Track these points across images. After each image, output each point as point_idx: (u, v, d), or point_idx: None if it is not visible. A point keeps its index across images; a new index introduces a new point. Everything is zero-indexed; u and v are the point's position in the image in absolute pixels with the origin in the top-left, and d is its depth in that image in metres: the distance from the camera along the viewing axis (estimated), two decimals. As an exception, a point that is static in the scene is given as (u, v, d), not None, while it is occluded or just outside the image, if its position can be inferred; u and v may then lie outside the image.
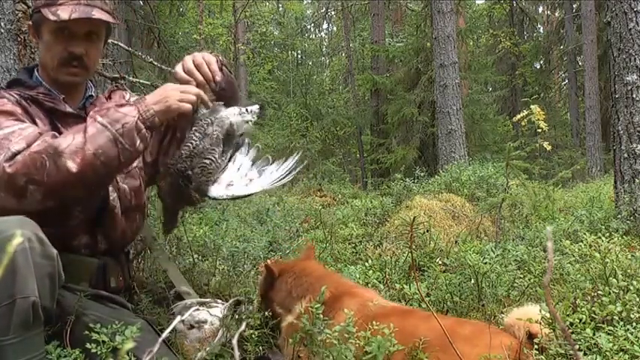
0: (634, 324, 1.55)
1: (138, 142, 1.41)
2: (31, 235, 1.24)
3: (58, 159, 1.31)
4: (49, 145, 1.34)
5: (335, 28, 25.64)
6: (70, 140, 1.35)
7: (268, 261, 2.03)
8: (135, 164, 1.72)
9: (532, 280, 2.23)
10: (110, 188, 1.65)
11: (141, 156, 1.66)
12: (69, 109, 1.61)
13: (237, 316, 1.73)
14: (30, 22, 1.63)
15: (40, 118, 1.54)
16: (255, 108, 1.59)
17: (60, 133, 1.57)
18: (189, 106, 1.47)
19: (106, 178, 1.48)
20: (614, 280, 1.80)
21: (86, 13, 1.54)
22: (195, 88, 1.51)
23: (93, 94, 1.73)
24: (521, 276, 2.34)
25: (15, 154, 1.33)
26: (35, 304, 1.23)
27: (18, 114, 1.48)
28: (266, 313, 1.74)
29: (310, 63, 24.31)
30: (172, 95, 1.46)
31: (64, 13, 1.52)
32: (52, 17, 1.52)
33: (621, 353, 1.40)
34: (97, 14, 1.55)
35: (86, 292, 1.53)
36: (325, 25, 26.07)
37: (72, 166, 1.31)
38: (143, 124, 1.41)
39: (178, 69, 1.56)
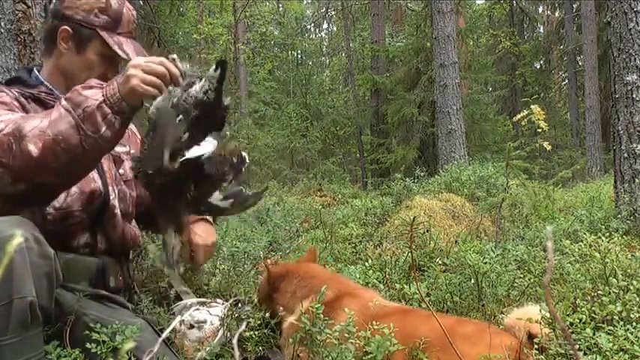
0: (634, 324, 1.55)
1: (103, 128, 1.28)
2: (28, 235, 1.24)
3: (22, 141, 1.27)
4: (16, 127, 1.29)
5: (335, 28, 25.64)
6: (36, 123, 1.29)
7: (268, 261, 2.03)
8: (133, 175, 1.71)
9: (532, 280, 2.23)
10: (110, 189, 1.65)
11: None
12: None
13: (237, 316, 1.73)
14: (68, 29, 1.57)
15: None
16: (212, 72, 1.38)
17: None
18: (153, 90, 1.33)
19: (75, 165, 1.35)
20: (614, 280, 1.80)
21: (145, 56, 1.55)
22: (161, 67, 1.35)
23: None
24: (521, 276, 2.34)
25: None
26: (33, 303, 1.23)
27: (13, 105, 1.47)
28: (266, 314, 1.74)
29: (310, 63, 24.31)
30: (136, 75, 1.32)
31: (131, 52, 1.57)
32: (121, 53, 1.56)
33: (621, 353, 1.40)
34: (146, 54, 1.60)
35: (86, 292, 1.53)
36: (325, 25, 26.09)
37: (33, 149, 1.26)
38: (110, 109, 1.29)
39: None
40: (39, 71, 1.66)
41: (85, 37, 1.59)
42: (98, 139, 1.29)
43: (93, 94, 1.30)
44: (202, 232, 1.84)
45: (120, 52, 1.58)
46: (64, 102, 1.31)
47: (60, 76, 1.63)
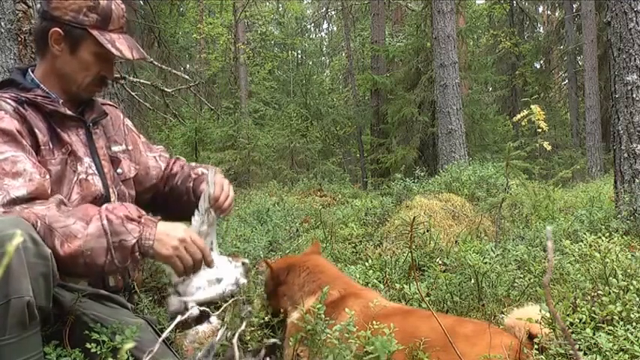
0: (634, 324, 1.55)
1: (128, 261, 1.38)
2: (25, 235, 1.24)
3: (50, 235, 1.31)
4: (49, 215, 1.33)
5: (335, 28, 25.66)
6: (70, 222, 1.34)
7: (267, 260, 2.03)
8: (131, 174, 1.77)
9: (532, 280, 2.23)
10: (111, 190, 1.65)
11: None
12: (69, 112, 1.61)
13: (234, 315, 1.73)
14: (59, 31, 1.57)
15: (39, 127, 1.52)
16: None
17: (59, 137, 1.57)
18: (181, 267, 1.44)
19: (81, 275, 1.47)
20: (614, 280, 1.81)
21: (138, 51, 1.64)
22: (199, 254, 1.47)
23: (92, 98, 1.75)
24: (521, 276, 2.34)
25: (14, 201, 1.33)
26: (30, 303, 1.23)
27: (15, 133, 1.44)
28: (268, 313, 1.75)
29: (310, 63, 24.30)
30: (178, 248, 1.42)
31: (125, 48, 1.60)
32: (114, 51, 1.57)
33: (621, 353, 1.40)
34: (141, 50, 1.66)
35: (85, 292, 1.53)
36: (325, 25, 26.11)
37: (58, 248, 1.31)
38: (139, 249, 1.38)
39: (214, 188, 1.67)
40: (33, 72, 1.65)
41: (77, 38, 1.58)
42: (119, 267, 1.38)
43: (132, 229, 1.38)
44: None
45: (114, 51, 1.58)
46: (105, 221, 1.36)
47: (55, 77, 1.62)
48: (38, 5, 2.16)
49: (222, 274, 1.63)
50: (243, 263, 1.71)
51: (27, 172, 1.39)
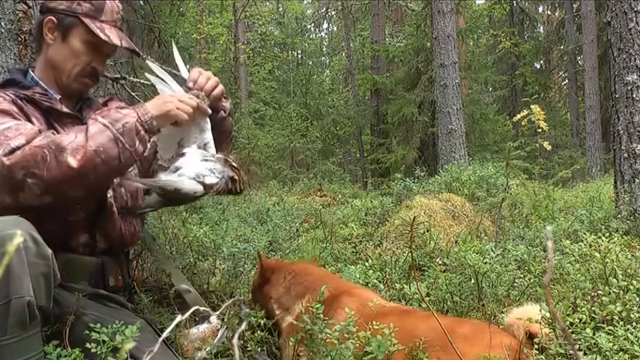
0: (634, 324, 1.55)
1: (137, 142, 1.43)
2: (25, 235, 1.24)
3: (60, 154, 1.32)
4: (51, 140, 1.35)
5: (335, 28, 25.64)
6: (72, 137, 1.36)
7: (261, 253, 2.02)
8: (131, 169, 1.74)
9: (532, 280, 2.23)
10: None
11: (138, 161, 1.68)
12: (65, 110, 1.62)
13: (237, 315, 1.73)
14: (53, 19, 1.61)
15: (37, 118, 1.55)
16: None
17: (57, 132, 1.58)
18: (185, 116, 1.51)
19: (105, 179, 1.49)
20: (614, 280, 1.81)
21: (128, 42, 1.66)
22: (193, 100, 1.55)
23: (89, 97, 1.76)
24: (521, 276, 2.34)
25: (14, 149, 1.33)
26: (31, 303, 1.23)
27: (14, 112, 1.48)
28: (258, 312, 1.74)
29: (310, 63, 24.29)
30: (172, 102, 1.50)
31: (114, 36, 1.62)
32: (102, 36, 1.59)
33: (621, 353, 1.40)
34: (131, 43, 1.69)
35: (85, 292, 1.53)
36: (325, 25, 26.09)
37: (72, 162, 1.32)
38: (142, 127, 1.44)
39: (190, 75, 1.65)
40: (33, 71, 1.67)
41: (68, 25, 1.61)
42: (133, 152, 1.43)
43: (128, 112, 1.45)
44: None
45: (102, 36, 1.59)
46: (101, 118, 1.41)
47: (50, 69, 1.65)
48: (38, 6, 2.16)
49: (183, 164, 1.57)
50: (225, 160, 1.60)
51: (27, 127, 1.42)
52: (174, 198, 1.57)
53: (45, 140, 1.35)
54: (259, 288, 1.93)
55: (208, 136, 1.63)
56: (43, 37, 1.62)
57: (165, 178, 1.56)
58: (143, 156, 1.53)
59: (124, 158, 1.41)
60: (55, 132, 1.47)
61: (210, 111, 1.61)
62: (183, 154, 1.60)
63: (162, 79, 1.61)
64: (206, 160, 1.59)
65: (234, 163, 1.60)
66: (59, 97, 1.64)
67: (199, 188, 1.54)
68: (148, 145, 1.51)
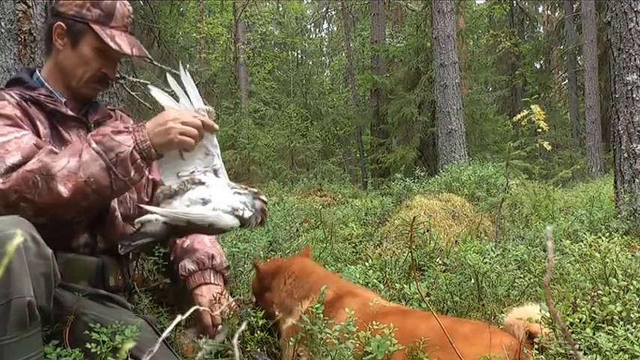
0: (634, 324, 1.55)
1: (132, 172, 1.39)
2: (25, 234, 1.24)
3: (51, 181, 1.32)
4: (42, 165, 1.33)
5: (335, 28, 25.64)
6: (64, 163, 1.34)
7: (256, 261, 2.00)
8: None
9: (532, 280, 2.23)
10: None
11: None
12: (70, 113, 1.62)
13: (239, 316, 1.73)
14: (62, 24, 1.59)
15: (41, 120, 1.54)
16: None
17: (60, 135, 1.58)
18: (191, 141, 1.43)
19: (99, 203, 1.47)
20: (614, 279, 1.80)
21: (140, 49, 1.63)
22: (197, 120, 1.45)
23: (96, 101, 1.75)
24: (521, 276, 2.34)
25: (11, 169, 1.33)
26: (31, 303, 1.23)
27: (17, 118, 1.47)
28: (262, 313, 1.73)
29: (310, 63, 24.30)
30: (174, 128, 1.41)
31: (124, 44, 1.59)
32: (113, 45, 1.57)
33: (621, 353, 1.40)
34: (143, 49, 1.65)
35: (85, 292, 1.53)
36: (325, 25, 26.09)
37: (63, 190, 1.32)
38: (139, 155, 1.39)
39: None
40: (40, 71, 1.66)
41: (78, 32, 1.60)
42: (127, 181, 1.39)
43: (124, 139, 1.38)
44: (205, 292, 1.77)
45: (112, 45, 1.58)
46: (94, 144, 1.36)
47: (58, 74, 1.64)
48: (38, 5, 2.16)
49: (212, 196, 1.47)
50: (255, 193, 1.51)
51: (24, 139, 1.40)
52: (192, 230, 1.52)
53: (37, 164, 1.33)
54: (260, 294, 1.92)
55: (218, 162, 1.54)
56: (53, 42, 1.61)
57: (189, 209, 1.45)
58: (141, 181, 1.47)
59: (116, 187, 1.38)
60: (53, 149, 1.44)
61: (217, 127, 1.52)
62: (201, 183, 1.50)
63: (167, 93, 1.53)
64: (239, 193, 1.51)
65: (263, 197, 1.54)
66: (64, 99, 1.63)
67: (236, 223, 1.47)
68: (146, 172, 1.47)
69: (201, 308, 1.68)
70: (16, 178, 1.32)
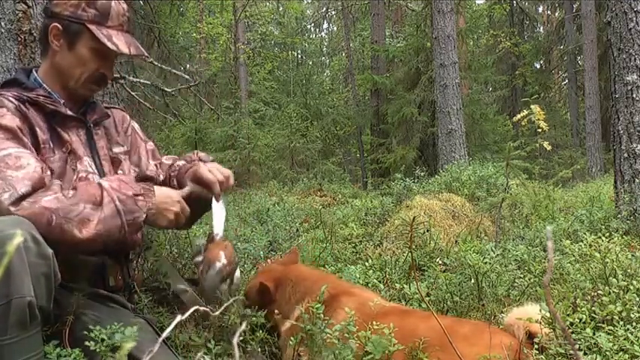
0: (634, 324, 1.55)
1: (134, 234, 1.51)
2: (26, 234, 1.23)
3: (66, 224, 1.34)
4: (62, 206, 1.34)
5: (335, 28, 25.65)
6: (80, 208, 1.37)
7: (264, 280, 1.96)
8: (132, 175, 1.77)
9: (532, 280, 2.23)
10: None
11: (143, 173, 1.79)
12: (70, 113, 1.62)
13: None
14: (58, 25, 1.59)
15: (39, 125, 1.53)
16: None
17: (60, 136, 1.57)
18: (173, 222, 1.57)
19: (95, 250, 1.53)
20: (614, 279, 1.81)
21: (137, 48, 1.64)
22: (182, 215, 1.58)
23: (94, 100, 1.75)
24: (521, 276, 2.34)
25: (21, 198, 1.33)
26: (31, 303, 1.23)
27: (16, 130, 1.45)
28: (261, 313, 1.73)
29: (310, 63, 24.30)
30: (172, 212, 1.55)
31: (122, 44, 1.60)
32: (110, 45, 1.57)
33: (621, 353, 1.40)
34: (140, 48, 1.67)
35: (85, 292, 1.53)
36: (325, 25, 26.10)
37: (77, 234, 1.35)
38: (145, 220, 1.49)
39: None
40: (37, 72, 1.66)
41: (74, 33, 1.59)
42: (127, 240, 1.50)
43: (142, 205, 1.47)
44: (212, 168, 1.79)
45: (109, 45, 1.58)
46: (118, 203, 1.42)
47: (55, 75, 1.63)
48: (38, 5, 2.16)
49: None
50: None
51: (30, 165, 1.40)
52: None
53: (55, 204, 1.34)
54: (261, 306, 1.89)
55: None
56: (49, 43, 1.61)
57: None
58: None
59: (118, 244, 1.48)
60: (53, 146, 1.50)
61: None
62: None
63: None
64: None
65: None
66: (62, 100, 1.63)
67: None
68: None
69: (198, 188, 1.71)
70: (32, 212, 1.31)
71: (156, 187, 1.54)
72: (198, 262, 1.69)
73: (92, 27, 1.58)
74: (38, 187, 1.36)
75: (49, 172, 1.46)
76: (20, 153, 1.40)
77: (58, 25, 1.59)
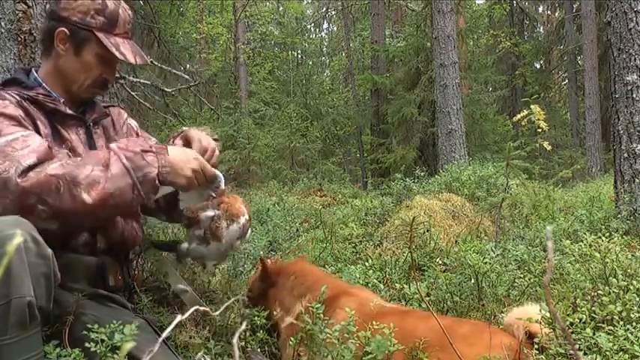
0: (634, 324, 1.55)
1: (150, 193, 1.44)
2: (26, 235, 1.23)
3: (74, 188, 1.32)
4: (68, 171, 1.33)
5: (335, 28, 25.65)
6: (88, 171, 1.35)
7: (269, 261, 2.03)
8: None
9: (532, 280, 2.23)
10: None
11: None
12: (69, 111, 1.62)
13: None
14: (65, 30, 1.59)
15: (41, 120, 1.54)
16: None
17: (60, 134, 1.58)
18: (195, 184, 1.52)
19: (112, 215, 1.53)
20: (614, 279, 1.81)
21: (142, 57, 1.65)
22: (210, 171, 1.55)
23: (94, 99, 1.76)
24: (521, 276, 2.34)
25: (28, 169, 1.32)
26: (31, 303, 1.23)
27: (20, 118, 1.47)
28: (260, 312, 1.74)
29: (310, 63, 24.30)
30: (193, 168, 1.50)
31: (129, 53, 1.61)
32: (118, 55, 1.58)
33: (621, 353, 1.40)
34: (144, 57, 1.67)
35: (85, 292, 1.53)
36: (325, 25, 26.10)
37: (87, 198, 1.32)
38: (158, 178, 1.43)
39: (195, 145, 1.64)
40: (37, 72, 1.66)
41: (82, 39, 1.60)
42: (145, 199, 1.43)
43: (152, 161, 1.42)
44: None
45: (117, 54, 1.59)
46: (125, 160, 1.39)
47: (57, 77, 1.64)
48: (38, 5, 2.16)
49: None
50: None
51: (35, 142, 1.40)
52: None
53: (61, 170, 1.33)
54: (263, 292, 1.93)
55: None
56: (53, 46, 1.61)
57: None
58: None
59: (135, 204, 1.43)
60: (69, 153, 1.48)
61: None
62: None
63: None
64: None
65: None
66: (62, 99, 1.64)
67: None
68: (156, 193, 1.51)
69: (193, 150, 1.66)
70: (38, 180, 1.30)
71: (170, 147, 1.50)
72: (210, 216, 1.61)
73: (100, 35, 1.59)
74: (44, 158, 1.36)
75: (64, 149, 1.47)
76: (27, 136, 1.41)
77: (65, 30, 1.59)
